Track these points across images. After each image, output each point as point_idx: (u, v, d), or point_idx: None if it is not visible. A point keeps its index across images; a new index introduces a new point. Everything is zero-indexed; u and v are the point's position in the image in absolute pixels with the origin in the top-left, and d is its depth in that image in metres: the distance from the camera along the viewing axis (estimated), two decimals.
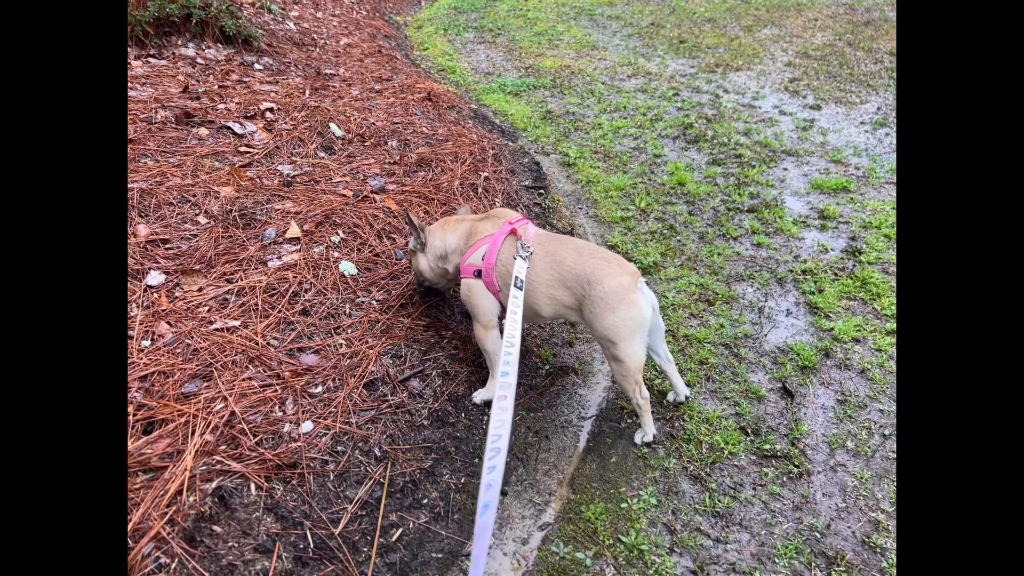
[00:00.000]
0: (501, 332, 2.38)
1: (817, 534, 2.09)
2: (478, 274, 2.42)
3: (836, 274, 3.39)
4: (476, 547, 1.37)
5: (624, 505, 2.21)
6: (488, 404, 2.50)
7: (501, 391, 1.72)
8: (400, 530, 1.99)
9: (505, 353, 1.85)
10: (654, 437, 2.44)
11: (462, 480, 2.21)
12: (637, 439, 2.45)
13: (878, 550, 2.03)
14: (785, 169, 4.66)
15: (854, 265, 3.45)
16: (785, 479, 2.29)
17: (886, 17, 9.70)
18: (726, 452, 2.39)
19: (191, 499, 1.81)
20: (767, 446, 2.41)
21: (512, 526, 2.13)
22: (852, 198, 4.19)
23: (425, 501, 2.10)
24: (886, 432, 2.45)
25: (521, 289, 2.20)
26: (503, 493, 2.23)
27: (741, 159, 4.82)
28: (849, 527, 2.11)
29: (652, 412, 2.52)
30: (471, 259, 2.44)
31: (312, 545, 1.84)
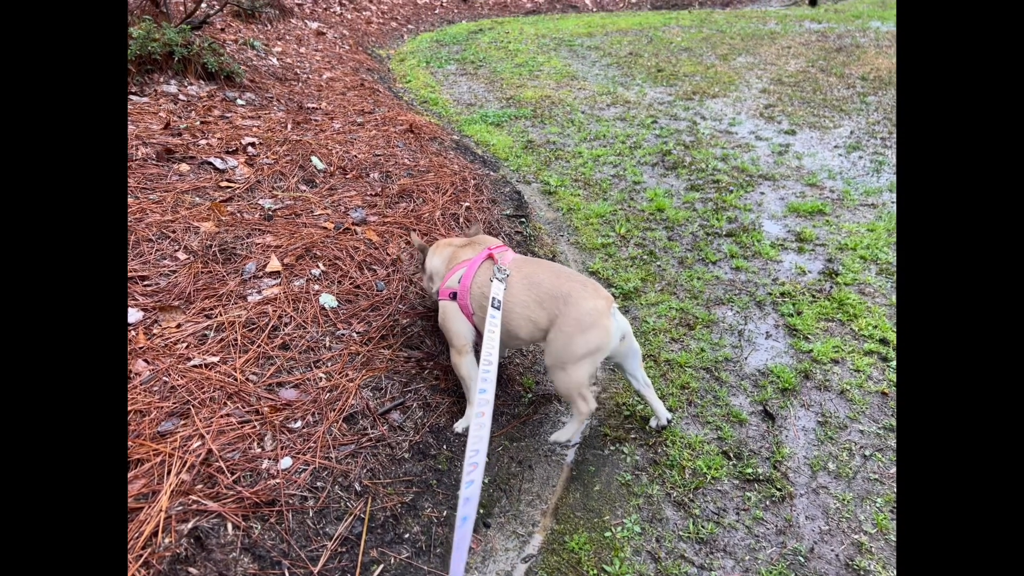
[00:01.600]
0: (477, 359, 2.41)
1: (801, 558, 2.09)
2: (453, 296, 2.48)
3: (814, 296, 3.44)
4: (454, 558, 1.42)
5: (608, 534, 2.19)
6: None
7: (479, 407, 1.78)
8: (381, 566, 1.96)
9: (483, 371, 1.91)
10: (568, 442, 2.50)
11: (444, 513, 2.18)
12: (552, 437, 2.48)
13: (862, 573, 2.03)
14: (762, 193, 4.75)
15: (831, 287, 3.50)
16: (768, 503, 2.29)
17: (857, 43, 9.99)
18: (709, 477, 2.39)
19: (167, 540, 1.78)
20: (749, 470, 2.41)
21: (495, 559, 2.11)
22: (828, 220, 4.26)
23: (407, 536, 2.08)
24: (867, 453, 2.47)
25: (498, 309, 2.23)
26: (486, 525, 2.21)
27: (719, 184, 4.91)
28: (832, 550, 2.11)
29: (635, 439, 2.53)
30: (448, 282, 2.51)
31: None
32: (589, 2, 16.17)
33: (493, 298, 2.27)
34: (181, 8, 6.59)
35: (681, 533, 2.19)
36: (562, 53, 9.96)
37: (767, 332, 3.19)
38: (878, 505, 2.26)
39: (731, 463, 2.45)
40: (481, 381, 1.88)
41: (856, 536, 2.15)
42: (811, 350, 3.01)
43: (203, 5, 6.20)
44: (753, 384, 2.85)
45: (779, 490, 2.33)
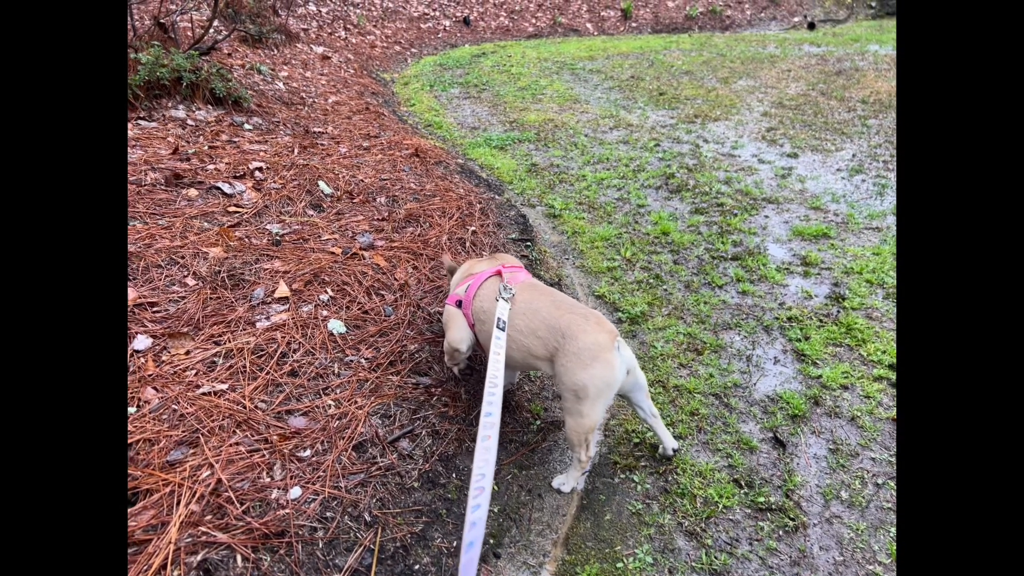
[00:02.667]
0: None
1: None
2: (458, 304, 2.56)
3: (821, 320, 3.43)
4: None
5: (620, 565, 2.17)
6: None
7: (485, 431, 1.78)
8: None
9: (489, 394, 1.92)
10: (572, 490, 2.45)
11: (454, 544, 2.16)
12: (555, 483, 2.45)
13: None
14: (766, 217, 4.77)
15: (838, 311, 3.50)
16: (781, 533, 2.26)
17: (856, 67, 10.10)
18: (720, 506, 2.37)
19: (175, 574, 1.76)
20: (761, 499, 2.39)
21: None
22: (833, 244, 4.27)
23: (417, 567, 2.05)
24: (879, 481, 2.44)
25: (503, 330, 2.23)
26: (496, 556, 2.18)
27: (723, 207, 4.93)
28: None
29: (646, 467, 2.51)
30: (457, 290, 2.61)
31: None
32: (590, 26, 16.39)
33: (498, 319, 2.28)
34: (189, 34, 6.68)
35: (694, 564, 2.17)
36: (564, 76, 10.07)
37: (775, 357, 3.18)
38: (892, 535, 2.23)
39: (743, 492, 2.43)
40: (487, 404, 1.90)
41: (871, 567, 2.12)
42: (820, 376, 3.00)
43: (211, 31, 6.29)
44: (763, 410, 2.83)
45: (792, 520, 2.30)
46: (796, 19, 17.70)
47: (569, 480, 2.43)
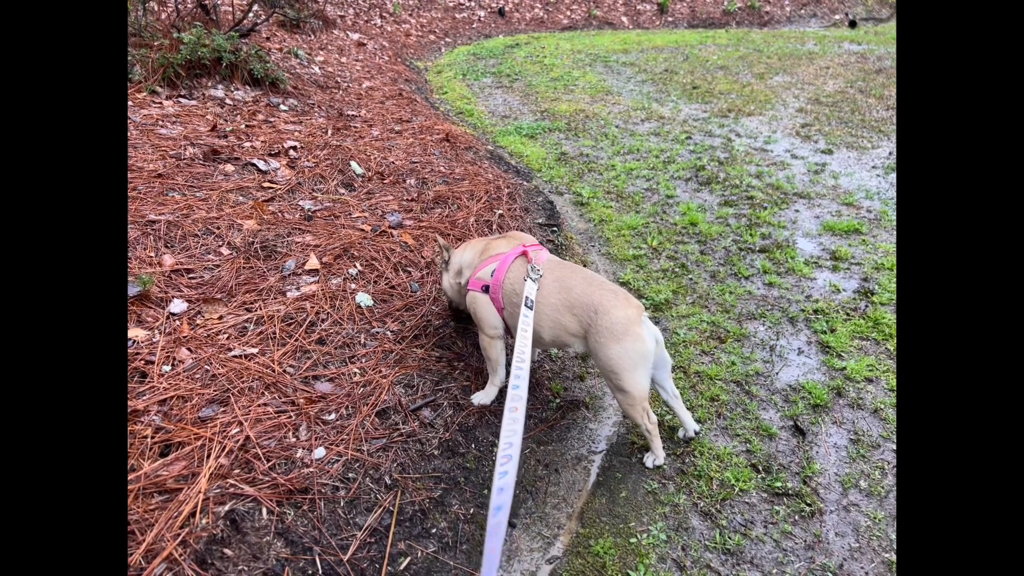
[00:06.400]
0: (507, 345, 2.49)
1: (830, 574, 2.06)
2: (485, 289, 2.50)
3: (848, 314, 3.40)
4: (489, 544, 1.48)
5: (633, 540, 2.19)
6: (484, 408, 2.64)
7: (512, 403, 1.82)
8: (408, 559, 1.99)
9: (516, 368, 1.96)
10: (664, 461, 2.47)
11: (471, 511, 2.21)
12: (648, 462, 2.47)
13: None
14: (797, 211, 4.71)
15: (866, 306, 3.46)
16: (797, 518, 2.27)
17: None
18: (737, 489, 2.38)
19: (204, 521, 1.83)
20: (779, 484, 2.39)
21: (520, 559, 2.12)
22: (864, 240, 4.21)
23: (434, 531, 2.10)
24: None
25: (531, 308, 2.27)
26: (511, 525, 2.22)
27: (753, 201, 4.88)
28: (862, 567, 2.07)
29: (663, 448, 2.52)
30: (480, 273, 2.52)
31: (321, 571, 1.85)
32: (625, 19, 16.27)
33: (526, 297, 2.30)
34: (229, 16, 6.82)
35: (707, 543, 2.18)
36: (597, 68, 10.03)
37: (799, 348, 3.16)
38: None
39: (760, 476, 2.44)
40: (514, 378, 1.93)
41: (887, 555, 2.11)
42: (844, 368, 2.98)
43: (251, 14, 6.42)
44: (784, 399, 2.82)
45: (809, 505, 2.30)
46: (837, 16, 17.33)
47: (656, 453, 2.47)
